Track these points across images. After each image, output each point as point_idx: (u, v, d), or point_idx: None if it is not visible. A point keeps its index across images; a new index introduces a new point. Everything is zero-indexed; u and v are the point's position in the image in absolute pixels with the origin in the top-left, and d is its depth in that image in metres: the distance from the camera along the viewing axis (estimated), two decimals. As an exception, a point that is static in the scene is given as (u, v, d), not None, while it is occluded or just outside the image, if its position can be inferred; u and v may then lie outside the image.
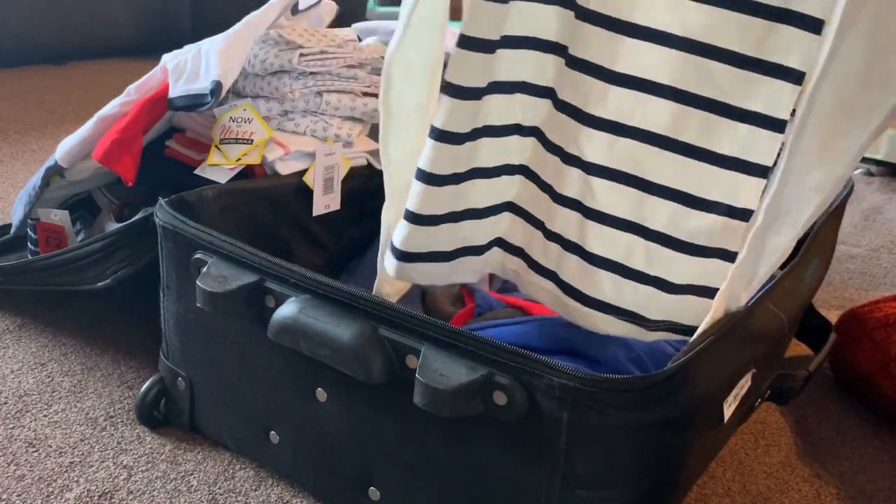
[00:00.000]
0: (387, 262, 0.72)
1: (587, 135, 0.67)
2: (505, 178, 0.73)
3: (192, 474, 0.78)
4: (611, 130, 0.66)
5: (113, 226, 0.98)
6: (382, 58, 1.06)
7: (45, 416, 0.84)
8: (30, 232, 1.02)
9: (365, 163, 1.00)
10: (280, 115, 0.95)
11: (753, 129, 0.62)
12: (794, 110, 0.61)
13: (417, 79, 0.67)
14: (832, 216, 0.97)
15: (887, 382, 0.93)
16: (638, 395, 0.56)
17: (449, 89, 0.65)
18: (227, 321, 0.74)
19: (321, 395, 0.69)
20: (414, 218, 0.69)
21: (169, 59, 0.94)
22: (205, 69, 0.88)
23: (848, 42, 0.56)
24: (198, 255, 0.72)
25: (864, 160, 2.01)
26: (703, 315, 0.65)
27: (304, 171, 0.93)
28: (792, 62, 0.60)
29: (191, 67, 0.90)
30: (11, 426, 0.82)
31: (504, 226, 0.76)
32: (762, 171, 0.63)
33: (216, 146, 0.90)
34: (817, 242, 0.89)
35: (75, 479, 0.76)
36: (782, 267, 0.84)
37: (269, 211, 0.91)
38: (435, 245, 0.72)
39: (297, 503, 0.75)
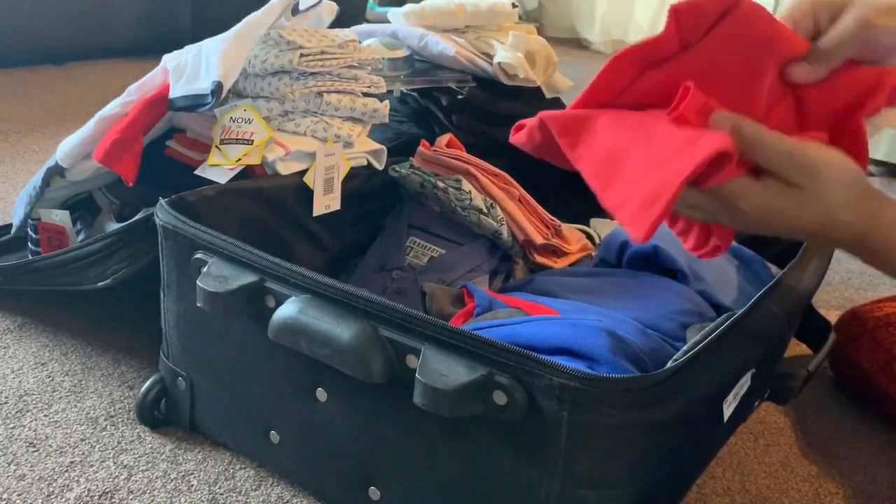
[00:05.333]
0: None
1: None
2: None
3: (192, 474, 0.78)
4: None
5: (113, 226, 0.98)
6: (382, 58, 1.07)
7: (45, 415, 0.84)
8: (31, 232, 1.02)
9: (365, 163, 1.00)
10: (280, 116, 0.95)
11: None
12: None
13: None
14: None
15: (889, 381, 0.93)
16: (638, 395, 0.56)
17: None
18: (228, 321, 0.74)
19: (321, 394, 0.69)
20: None
21: (169, 59, 0.94)
22: (205, 69, 0.88)
23: None
24: (198, 255, 0.72)
25: (864, 160, 2.01)
26: None
27: (304, 172, 0.93)
28: None
29: (191, 68, 0.90)
30: (12, 426, 0.82)
31: None
32: None
33: (216, 146, 0.90)
34: (817, 242, 0.89)
35: (76, 478, 0.76)
36: (782, 267, 0.84)
37: (269, 211, 0.91)
38: None
39: (297, 503, 0.75)
